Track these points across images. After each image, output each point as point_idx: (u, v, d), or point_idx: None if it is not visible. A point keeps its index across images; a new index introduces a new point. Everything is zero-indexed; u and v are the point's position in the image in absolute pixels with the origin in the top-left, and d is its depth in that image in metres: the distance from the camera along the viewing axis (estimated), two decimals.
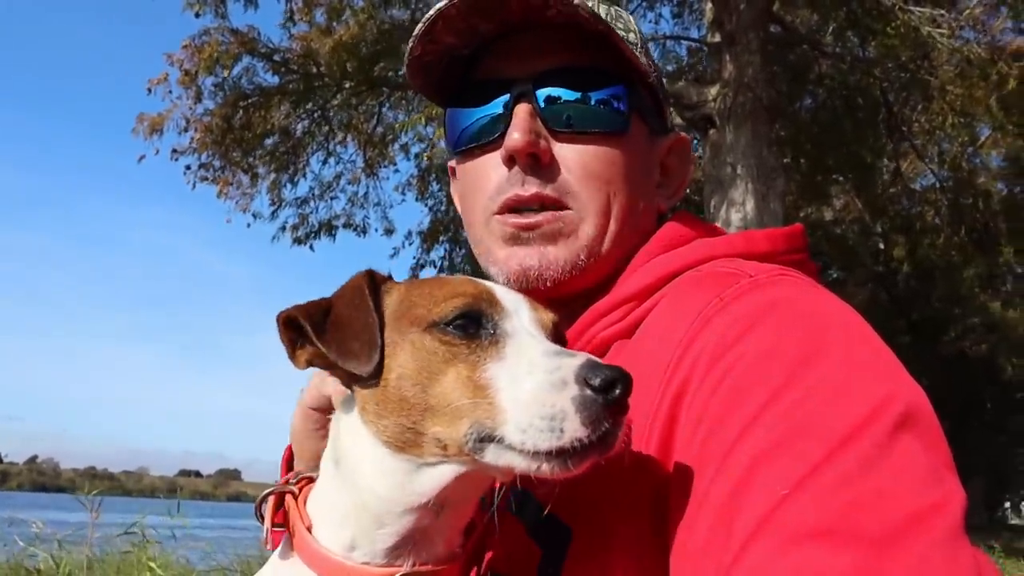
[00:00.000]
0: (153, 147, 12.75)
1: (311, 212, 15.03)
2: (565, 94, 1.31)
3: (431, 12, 1.29)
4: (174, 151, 12.95)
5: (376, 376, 1.00)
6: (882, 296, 22.10)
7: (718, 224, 9.56)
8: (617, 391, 0.88)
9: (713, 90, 10.35)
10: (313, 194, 15.05)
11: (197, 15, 11.32)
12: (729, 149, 9.99)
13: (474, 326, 0.99)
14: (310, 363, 1.04)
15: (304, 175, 14.69)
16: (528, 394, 0.89)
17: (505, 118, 1.31)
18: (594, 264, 1.31)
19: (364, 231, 15.62)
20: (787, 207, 17.47)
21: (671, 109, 11.60)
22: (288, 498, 1.13)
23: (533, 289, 1.30)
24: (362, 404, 1.03)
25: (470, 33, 1.33)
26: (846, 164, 14.88)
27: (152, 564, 6.91)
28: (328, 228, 15.16)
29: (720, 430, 0.93)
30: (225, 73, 11.97)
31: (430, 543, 1.03)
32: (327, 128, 14.16)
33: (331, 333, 1.00)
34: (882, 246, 20.95)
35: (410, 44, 1.34)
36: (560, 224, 1.30)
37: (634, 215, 1.35)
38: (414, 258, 16.77)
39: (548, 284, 1.30)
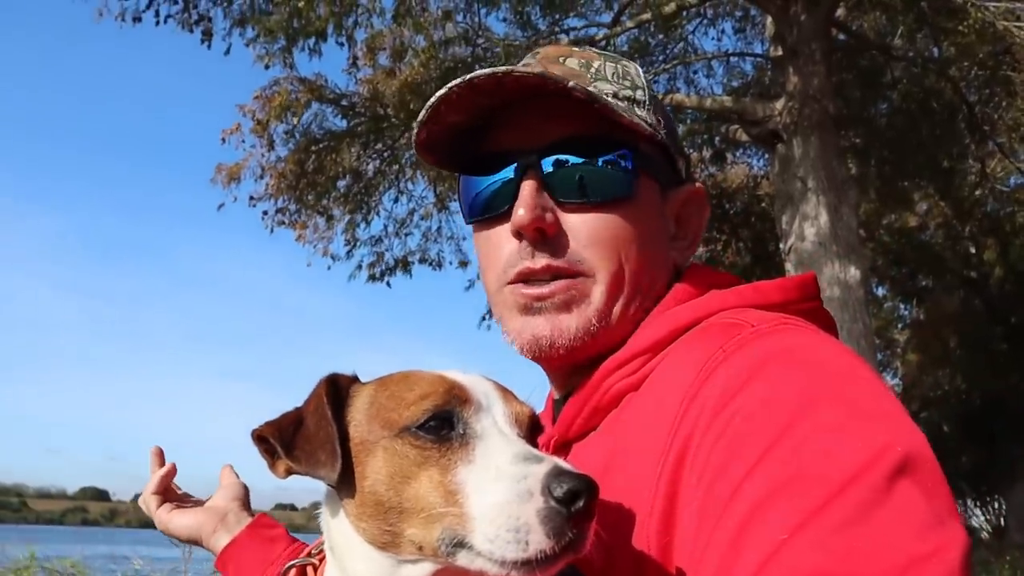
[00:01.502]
0: (231, 195, 13.28)
1: (386, 250, 15.32)
2: (569, 164, 1.32)
3: (432, 100, 1.31)
4: (251, 198, 13.45)
5: (351, 481, 1.01)
6: (975, 303, 21.13)
7: (791, 240, 9.35)
8: (580, 503, 0.88)
9: (778, 104, 10.16)
10: (387, 232, 15.35)
11: (267, 67, 11.77)
12: (798, 163, 9.78)
13: (446, 427, 0.99)
14: (289, 473, 1.06)
15: (377, 213, 15.00)
16: (494, 506, 0.90)
17: (511, 192, 1.33)
18: (606, 328, 1.32)
19: (439, 264, 15.82)
20: (868, 215, 17.07)
21: (732, 127, 11.48)
22: (309, 570, 1.17)
23: (548, 356, 1.33)
24: (345, 506, 1.05)
25: (473, 109, 1.36)
26: (927, 168, 14.38)
27: None
28: (404, 264, 15.41)
29: (722, 479, 0.95)
30: (295, 120, 12.39)
31: None
32: (397, 167, 14.44)
33: (300, 447, 1.03)
34: (972, 250, 20.08)
35: (415, 130, 1.37)
36: (572, 292, 1.31)
37: (646, 276, 1.35)
38: None
39: (561, 352, 1.31)
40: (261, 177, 13.20)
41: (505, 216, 1.34)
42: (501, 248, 1.36)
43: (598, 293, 1.31)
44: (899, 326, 24.74)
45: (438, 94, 1.31)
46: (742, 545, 0.87)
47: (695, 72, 13.90)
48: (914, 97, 13.39)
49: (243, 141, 12.68)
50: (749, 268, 16.32)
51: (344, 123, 13.36)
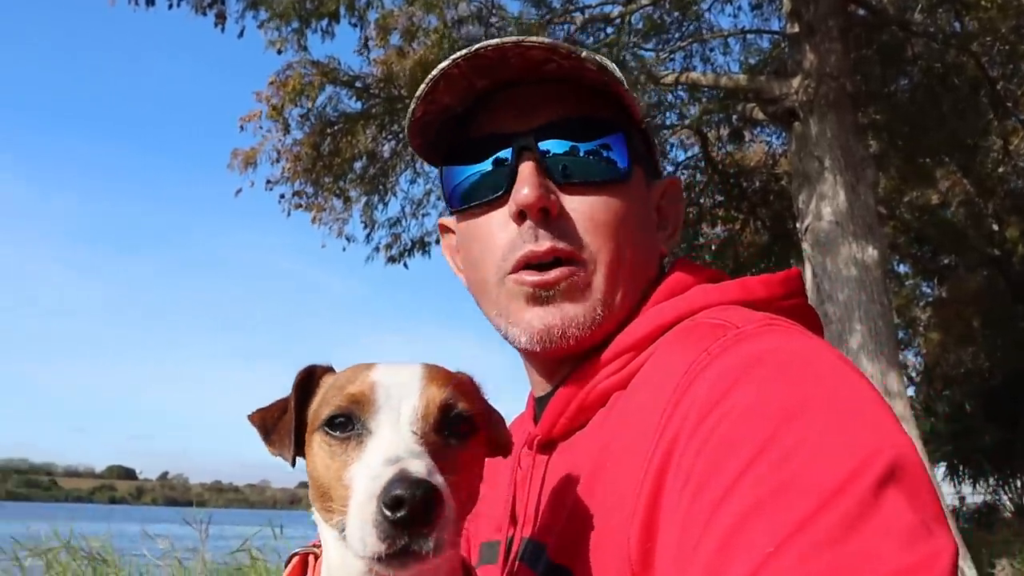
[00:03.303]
0: (248, 180, 13.33)
1: (403, 231, 15.35)
2: (567, 146, 1.30)
3: (434, 72, 1.29)
4: (268, 182, 13.50)
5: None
6: (998, 281, 20.85)
7: (808, 220, 9.27)
8: (401, 512, 0.89)
9: (795, 82, 10.02)
10: (404, 213, 15.37)
11: (279, 51, 11.77)
12: (815, 142, 9.66)
13: (348, 425, 1.03)
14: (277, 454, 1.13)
15: (394, 195, 15.01)
16: (354, 504, 0.94)
17: (509, 174, 1.30)
18: (609, 315, 1.30)
19: None
20: (889, 192, 16.85)
21: (753, 105, 11.37)
22: (311, 558, 1.21)
23: (557, 347, 1.30)
24: None
25: (467, 91, 1.34)
26: (949, 145, 14.17)
27: None
28: (421, 245, 15.43)
29: (706, 490, 0.93)
30: (310, 104, 12.38)
31: None
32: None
33: (275, 432, 1.10)
34: (995, 227, 19.79)
35: (412, 106, 1.34)
36: (575, 279, 1.29)
37: (643, 261, 1.35)
38: None
39: (572, 341, 1.29)
40: (277, 161, 13.23)
41: (500, 201, 1.31)
42: (497, 236, 1.33)
43: (599, 280, 1.29)
44: (921, 304, 24.49)
45: (440, 66, 1.28)
46: (728, 557, 0.86)
47: (711, 50, 13.74)
48: (935, 73, 13.17)
49: (260, 127, 12.72)
50: (768, 247, 16.19)
51: (359, 105, 13.34)
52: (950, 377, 25.05)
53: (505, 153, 1.31)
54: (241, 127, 12.73)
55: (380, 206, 14.89)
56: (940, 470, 24.95)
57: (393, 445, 0.98)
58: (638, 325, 1.27)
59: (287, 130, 12.78)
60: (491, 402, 1.21)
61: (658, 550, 0.99)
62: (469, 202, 1.37)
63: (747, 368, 1.02)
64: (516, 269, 1.30)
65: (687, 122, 14.25)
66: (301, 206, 14.04)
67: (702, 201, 15.81)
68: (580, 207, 1.30)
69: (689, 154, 15.66)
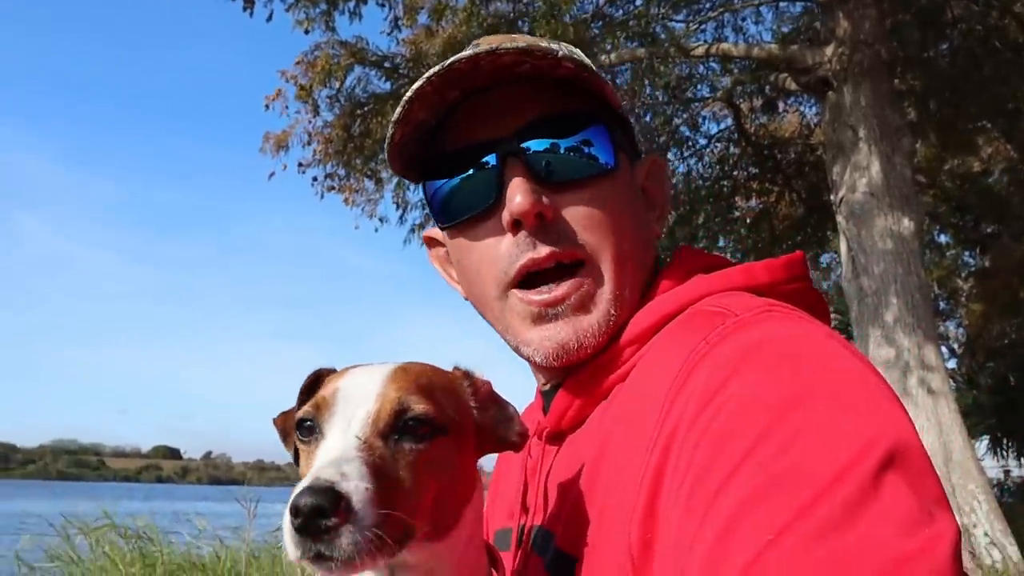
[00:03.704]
0: (281, 163, 13.44)
1: None
2: (550, 144, 1.27)
3: (408, 94, 1.26)
4: (300, 164, 13.59)
5: None
6: None
7: (842, 192, 9.11)
8: (297, 519, 0.91)
9: (828, 50, 9.82)
10: None
11: (307, 32, 11.80)
12: (849, 111, 9.47)
13: (312, 429, 1.07)
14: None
15: None
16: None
17: (493, 182, 1.27)
18: (622, 311, 1.28)
19: None
20: (929, 160, 16.47)
21: (784, 75, 11.14)
22: None
23: (574, 358, 1.28)
24: None
25: (439, 104, 1.30)
26: (990, 110, 13.78)
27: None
28: None
29: (706, 479, 0.93)
30: (338, 85, 12.41)
31: None
32: None
33: (288, 436, 1.17)
34: None
35: (390, 131, 1.31)
36: (585, 289, 1.27)
37: (640, 248, 1.34)
38: None
39: (590, 350, 1.27)
40: (308, 143, 13.30)
41: (491, 211, 1.28)
42: (493, 247, 1.29)
43: (607, 280, 1.27)
44: (963, 275, 24.00)
45: (414, 86, 1.25)
46: (727, 545, 0.86)
47: (743, 19, 13.49)
48: (976, 36, 12.79)
49: (286, 107, 12.78)
50: (803, 219, 15.96)
51: (388, 85, 13.34)
52: (993, 349, 24.57)
53: (489, 159, 1.28)
54: (266, 106, 12.80)
55: (411, 186, 14.93)
56: (983, 444, 24.59)
57: (332, 451, 1.00)
58: (641, 317, 1.26)
59: (317, 112, 12.83)
60: (497, 397, 1.19)
61: (658, 540, 0.99)
62: (459, 215, 1.32)
63: (745, 356, 1.01)
64: (518, 280, 1.28)
65: (719, 94, 14.05)
66: (334, 188, 14.14)
67: (736, 174, 15.62)
68: (574, 206, 1.27)
69: (722, 126, 15.44)
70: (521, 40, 1.30)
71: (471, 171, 1.30)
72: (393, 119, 1.29)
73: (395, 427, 1.03)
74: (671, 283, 1.29)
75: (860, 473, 0.85)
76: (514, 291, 1.29)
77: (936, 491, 0.87)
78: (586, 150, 1.29)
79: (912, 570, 0.78)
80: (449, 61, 1.24)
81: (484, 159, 1.28)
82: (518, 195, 1.22)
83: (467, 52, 1.24)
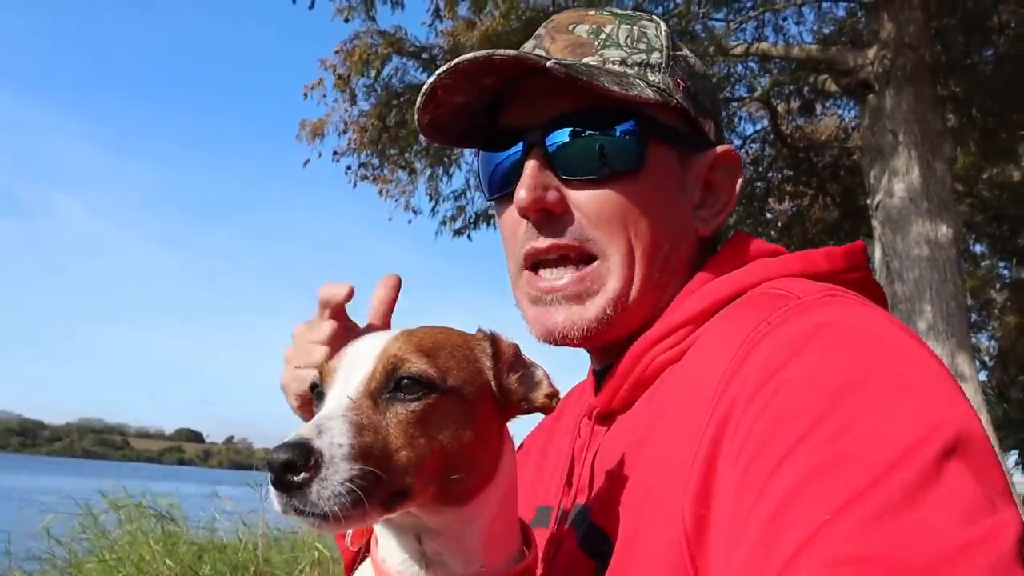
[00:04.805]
0: (316, 151, 13.52)
1: (468, 203, 15.37)
2: (575, 140, 1.30)
3: (425, 87, 1.32)
4: (335, 153, 13.66)
5: None
6: None
7: (879, 196, 8.99)
8: (272, 475, 0.94)
9: (871, 53, 9.69)
10: (469, 185, 15.38)
11: (346, 20, 11.83)
12: (889, 115, 9.33)
13: (322, 393, 1.09)
14: None
15: (459, 167, 15.03)
16: None
17: (518, 170, 1.32)
18: (623, 314, 1.31)
19: None
20: (967, 169, 16.19)
21: (826, 77, 11.03)
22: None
23: (564, 345, 1.34)
24: None
25: (478, 90, 1.35)
26: None
27: (318, 545, 7.42)
28: (486, 217, 15.42)
29: (763, 454, 0.93)
30: (375, 74, 12.44)
31: (442, 564, 1.10)
32: None
33: None
34: None
35: (416, 114, 1.38)
36: (586, 284, 1.30)
37: (661, 250, 1.33)
38: None
39: (575, 342, 1.33)
40: (344, 132, 13.37)
41: (512, 196, 1.33)
42: (513, 227, 1.37)
43: (613, 280, 1.30)
44: (997, 286, 23.60)
45: (429, 81, 1.31)
46: (782, 523, 0.85)
47: (784, 19, 13.35)
48: (1022, 42, 12.57)
49: (324, 96, 12.85)
50: (837, 223, 15.77)
51: (425, 76, 13.37)
52: None
53: (517, 147, 1.34)
54: (305, 95, 12.86)
55: (445, 178, 14.95)
56: (1012, 458, 24.18)
57: (324, 411, 1.03)
58: (694, 299, 1.26)
59: (353, 100, 12.89)
60: (524, 359, 1.18)
61: (712, 517, 0.98)
62: (494, 192, 1.41)
63: (808, 337, 1.01)
64: (527, 263, 1.35)
65: (756, 94, 13.92)
66: (367, 178, 14.18)
67: (770, 176, 15.47)
68: (587, 202, 1.30)
69: (758, 127, 15.30)
70: (547, 39, 1.38)
71: (505, 153, 1.37)
72: (416, 107, 1.36)
73: (387, 386, 1.04)
74: (725, 267, 1.29)
75: (922, 458, 0.84)
76: (525, 272, 1.36)
77: (1001, 482, 0.86)
78: (612, 145, 1.30)
79: (973, 558, 0.77)
80: (454, 62, 1.28)
81: (515, 146, 1.34)
82: (522, 189, 1.29)
83: (467, 56, 1.27)
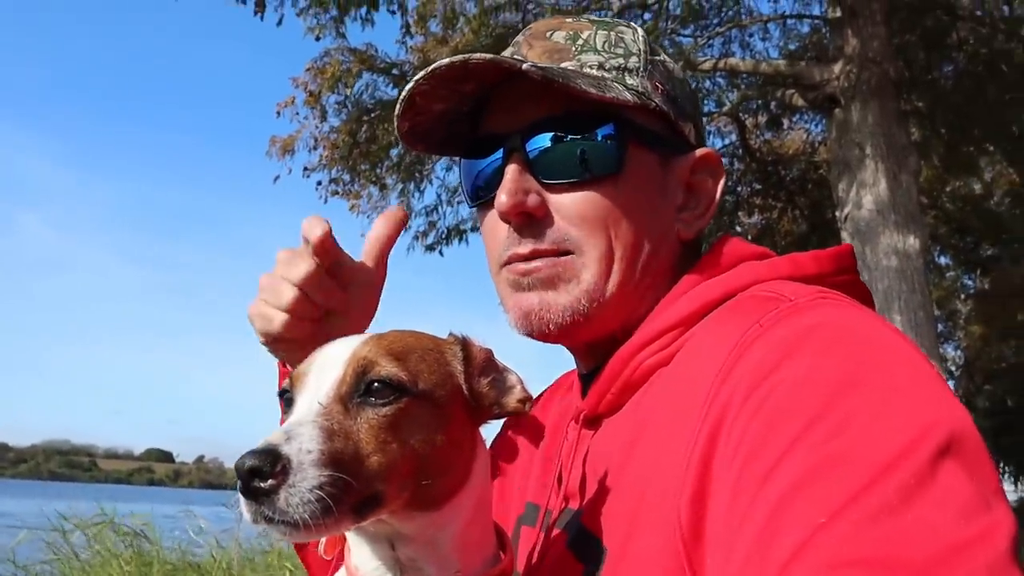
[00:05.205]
0: (286, 167, 13.47)
1: (439, 219, 15.36)
2: (554, 144, 1.30)
3: (404, 93, 1.31)
4: (305, 169, 13.62)
5: None
6: None
7: (848, 208, 9.13)
8: (239, 484, 0.93)
9: (836, 68, 9.87)
10: (440, 200, 15.38)
11: (317, 38, 11.83)
12: (856, 128, 9.50)
13: (291, 400, 1.07)
14: None
15: (430, 182, 15.03)
16: None
17: (499, 175, 1.32)
18: (600, 308, 1.31)
19: None
20: (931, 182, 16.53)
21: (791, 92, 11.22)
22: None
23: (541, 335, 1.34)
24: None
25: (457, 97, 1.35)
26: (994, 133, 13.83)
27: (288, 565, 7.32)
28: (457, 232, 15.42)
29: (758, 457, 0.92)
30: (347, 91, 12.45)
31: (416, 570, 1.09)
32: None
33: None
34: None
35: (395, 122, 1.38)
36: (559, 269, 1.30)
37: (641, 252, 1.33)
38: None
39: (551, 328, 1.32)
40: (315, 148, 13.35)
41: (492, 202, 1.34)
42: (495, 231, 1.37)
43: (588, 273, 1.30)
44: (962, 297, 24.02)
45: (407, 87, 1.30)
46: (778, 526, 0.85)
47: (750, 35, 13.55)
48: (982, 59, 12.85)
49: (297, 113, 12.84)
50: (805, 236, 15.98)
51: (396, 92, 13.38)
52: (991, 371, 24.58)
53: (497, 154, 1.34)
54: (278, 113, 12.86)
55: (416, 193, 14.93)
56: None
57: (294, 416, 1.01)
58: (683, 302, 1.26)
59: (324, 117, 12.89)
60: (496, 364, 1.17)
61: (708, 520, 0.98)
62: (475, 199, 1.42)
63: (801, 339, 1.01)
64: (506, 264, 1.35)
65: (724, 109, 14.10)
66: (338, 193, 14.15)
67: (739, 189, 15.64)
68: (567, 206, 1.30)
69: (726, 142, 15.49)
70: (524, 46, 1.38)
71: (485, 160, 1.37)
72: (395, 114, 1.35)
73: (357, 390, 1.03)
74: (713, 271, 1.29)
75: (916, 458, 0.84)
76: (504, 267, 1.36)
77: (994, 482, 0.86)
78: (591, 149, 1.30)
79: (969, 557, 0.77)
80: (432, 67, 1.27)
81: (495, 152, 1.35)
82: (503, 194, 1.29)
83: (444, 61, 1.27)
